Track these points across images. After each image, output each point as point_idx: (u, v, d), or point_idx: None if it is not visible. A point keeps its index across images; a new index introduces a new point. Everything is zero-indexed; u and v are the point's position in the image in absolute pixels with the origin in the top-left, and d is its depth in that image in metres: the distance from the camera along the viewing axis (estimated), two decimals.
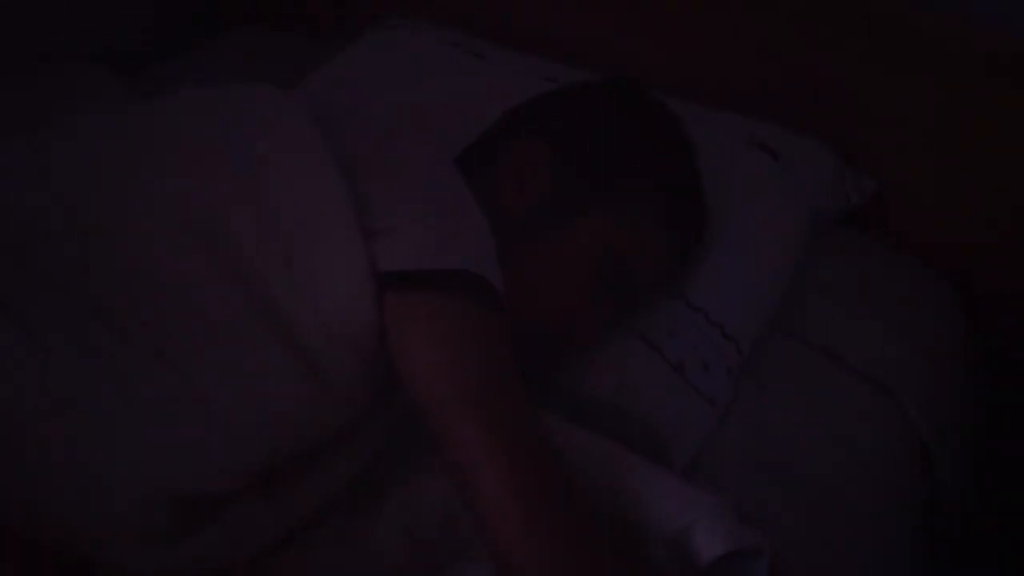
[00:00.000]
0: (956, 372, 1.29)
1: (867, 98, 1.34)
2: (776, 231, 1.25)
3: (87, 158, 0.96)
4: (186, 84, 1.03)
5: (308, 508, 0.95)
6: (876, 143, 1.37)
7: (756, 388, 1.18)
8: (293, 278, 0.90)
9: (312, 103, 1.03)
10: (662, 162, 1.12)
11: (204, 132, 0.94)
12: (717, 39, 1.40)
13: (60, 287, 0.88)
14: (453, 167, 1.01)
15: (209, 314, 0.88)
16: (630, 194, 1.09)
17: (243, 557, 0.92)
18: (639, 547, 0.94)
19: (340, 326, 0.91)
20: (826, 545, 1.07)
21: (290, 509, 0.94)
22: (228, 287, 0.89)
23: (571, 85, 1.18)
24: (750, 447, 1.14)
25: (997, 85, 1.27)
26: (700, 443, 1.13)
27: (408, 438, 0.99)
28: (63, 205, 0.90)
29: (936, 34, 1.29)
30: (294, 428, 0.92)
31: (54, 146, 0.96)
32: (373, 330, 0.91)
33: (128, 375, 0.86)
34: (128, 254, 0.90)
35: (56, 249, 0.89)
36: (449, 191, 0.97)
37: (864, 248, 1.37)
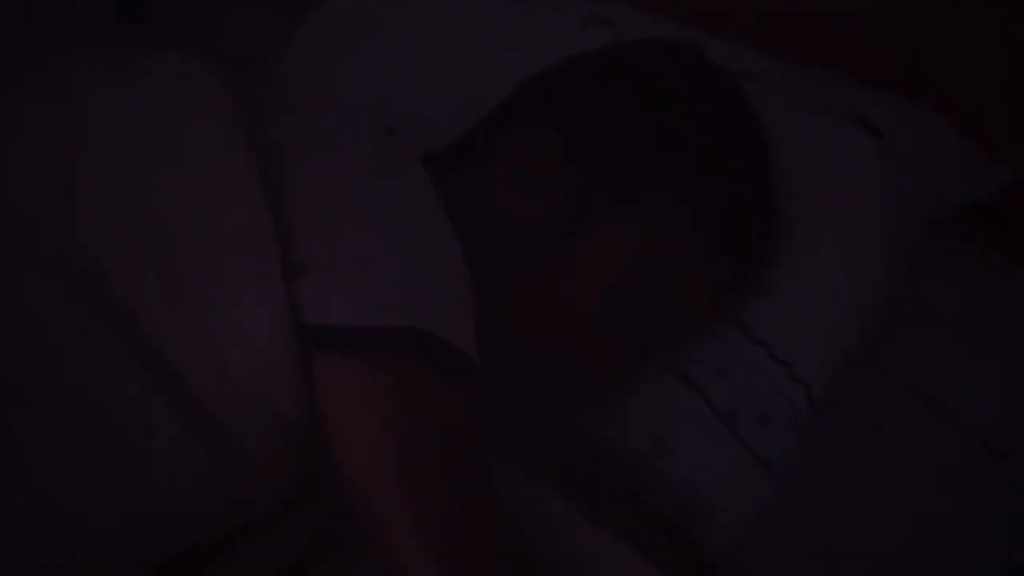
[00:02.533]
0: None
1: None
2: (872, 238, 0.96)
3: None
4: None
5: None
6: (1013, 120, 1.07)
7: (825, 445, 0.93)
8: (189, 325, 0.67)
9: (285, 68, 0.79)
10: (714, 158, 0.86)
11: (78, 124, 0.70)
12: None
13: None
14: (418, 172, 0.76)
15: (64, 375, 0.66)
16: (665, 199, 0.84)
17: None
18: None
19: (255, 390, 0.69)
20: None
21: None
22: (96, 337, 0.67)
23: (596, 52, 0.91)
24: (805, 525, 0.90)
25: None
26: (750, 517, 0.89)
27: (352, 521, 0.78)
28: None
29: None
30: (202, 513, 0.71)
31: None
32: (298, 393, 0.69)
33: None
34: None
35: None
36: (406, 210, 0.73)
37: (987, 256, 1.07)
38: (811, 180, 0.97)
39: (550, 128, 0.85)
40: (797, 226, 0.95)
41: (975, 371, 0.98)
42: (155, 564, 0.70)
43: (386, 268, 0.69)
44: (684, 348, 0.91)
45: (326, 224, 0.71)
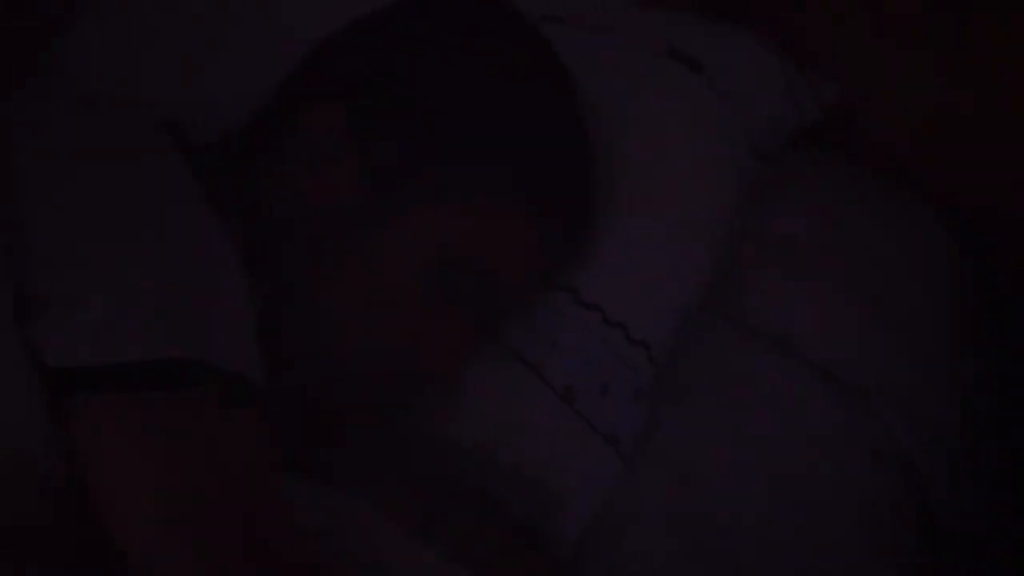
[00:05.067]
0: (957, 360, 0.95)
1: None
2: (699, 179, 0.90)
3: None
4: None
5: None
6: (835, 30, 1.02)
7: (676, 405, 0.87)
8: None
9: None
10: (522, 116, 0.78)
11: None
12: None
13: None
14: (179, 175, 0.67)
15: None
16: (476, 170, 0.76)
17: None
18: None
19: (8, 455, 0.59)
20: None
21: None
22: None
23: (381, 11, 0.81)
24: (671, 494, 0.84)
25: None
26: (602, 498, 0.82)
27: None
28: None
29: None
30: None
31: None
32: (53, 447, 0.60)
33: None
34: None
35: None
36: (161, 223, 0.64)
37: (831, 183, 1.01)
38: (633, 125, 0.90)
39: (343, 103, 0.77)
40: (621, 176, 0.88)
41: (821, 305, 0.92)
42: None
43: (136, 294, 0.60)
44: (515, 323, 0.83)
45: (68, 248, 0.62)
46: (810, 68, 1.00)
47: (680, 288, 0.87)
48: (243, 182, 0.76)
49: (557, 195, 0.79)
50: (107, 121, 0.72)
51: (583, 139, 0.82)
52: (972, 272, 1.02)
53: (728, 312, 0.92)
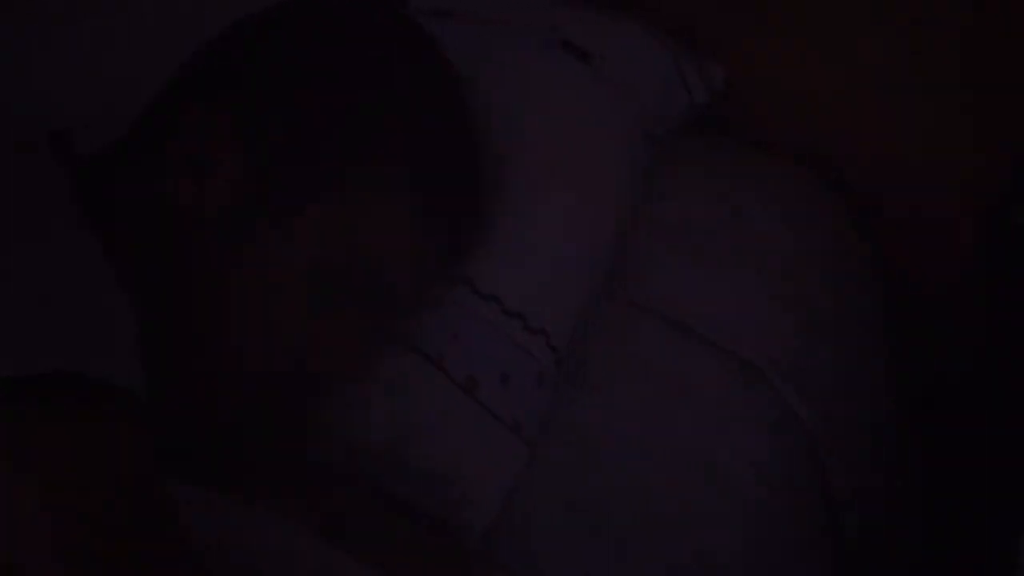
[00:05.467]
0: (853, 337, 0.98)
1: None
2: (591, 167, 0.91)
3: None
4: None
5: None
6: (721, 17, 1.04)
7: (578, 389, 0.88)
8: None
9: None
10: (405, 114, 0.78)
11: None
12: None
13: None
14: (55, 186, 0.66)
15: None
16: (360, 169, 0.76)
17: None
18: None
19: None
20: None
21: None
22: None
23: (261, 13, 0.81)
24: (574, 476, 0.85)
25: None
26: (508, 485, 0.83)
27: None
28: None
29: None
30: None
31: None
32: None
33: None
34: None
35: None
36: (32, 239, 0.63)
37: (727, 167, 1.03)
38: (522, 116, 0.90)
39: (225, 105, 0.76)
40: (513, 168, 0.89)
41: (718, 287, 0.94)
42: None
43: (3, 312, 0.59)
44: (415, 319, 0.84)
45: None
46: (698, 54, 1.02)
47: (577, 275, 0.89)
48: (125, 190, 0.76)
49: (445, 190, 0.79)
50: None
51: (469, 133, 0.83)
52: (869, 249, 1.05)
53: (628, 296, 0.94)
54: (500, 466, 0.82)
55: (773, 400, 0.91)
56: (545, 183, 0.89)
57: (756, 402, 0.90)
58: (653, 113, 0.97)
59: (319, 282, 0.75)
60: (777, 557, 0.86)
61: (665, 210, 0.98)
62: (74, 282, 0.62)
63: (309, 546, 0.69)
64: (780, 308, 0.96)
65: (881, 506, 0.98)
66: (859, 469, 0.95)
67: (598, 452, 0.86)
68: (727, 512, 0.85)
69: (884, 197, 1.04)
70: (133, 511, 0.58)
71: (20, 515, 0.56)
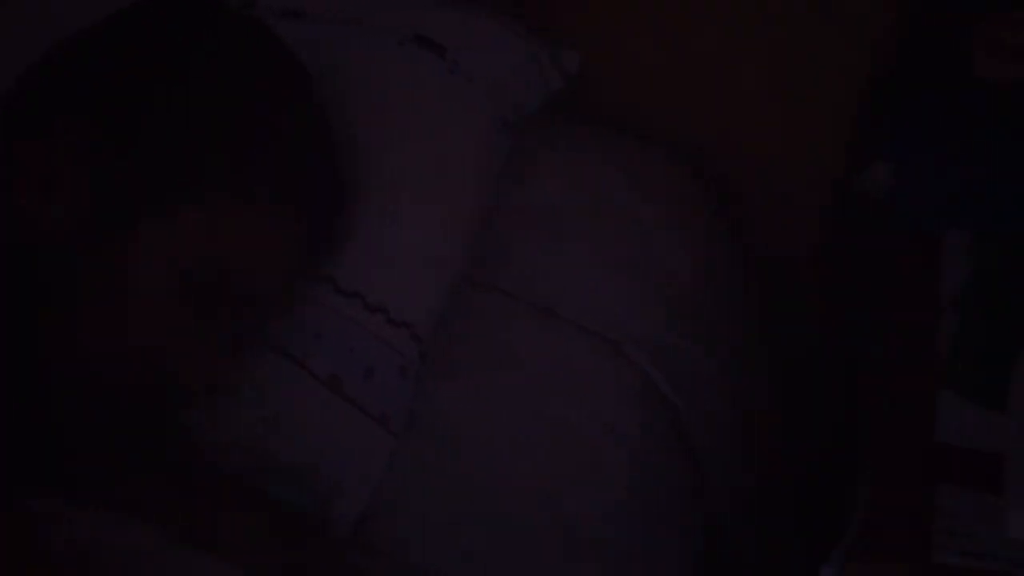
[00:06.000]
0: (712, 312, 1.00)
1: None
2: (449, 158, 0.92)
3: None
4: None
5: None
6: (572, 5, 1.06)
7: (443, 378, 0.90)
8: None
9: None
10: (257, 118, 0.79)
11: None
12: None
13: None
14: None
15: None
16: (216, 175, 0.77)
17: None
18: None
19: None
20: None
21: None
22: None
23: (103, 21, 0.81)
24: (447, 462, 0.87)
25: None
26: (377, 476, 0.84)
27: None
28: None
29: None
30: None
31: None
32: None
33: None
34: None
35: None
36: None
37: (587, 151, 1.05)
38: (378, 113, 0.92)
39: (71, 116, 0.76)
40: (372, 164, 0.90)
41: (580, 269, 0.97)
42: None
43: None
44: (278, 320, 0.84)
45: None
46: (552, 41, 1.04)
47: (438, 267, 0.90)
48: None
49: (303, 192, 0.80)
50: None
51: (325, 133, 0.84)
52: (728, 227, 1.09)
53: (493, 283, 0.96)
54: (367, 457, 0.84)
55: (638, 377, 0.94)
56: (403, 177, 0.90)
57: (622, 380, 0.93)
58: (510, 101, 0.99)
59: (179, 290, 0.75)
60: (646, 525, 0.90)
61: (527, 196, 1.00)
62: None
63: (171, 550, 0.70)
64: (643, 288, 0.99)
65: (748, 477, 1.02)
66: (723, 441, 0.99)
67: (467, 438, 0.88)
68: (594, 486, 0.88)
69: (741, 176, 1.07)
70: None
71: None
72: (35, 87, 0.79)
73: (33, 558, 0.59)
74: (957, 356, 0.83)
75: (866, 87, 0.99)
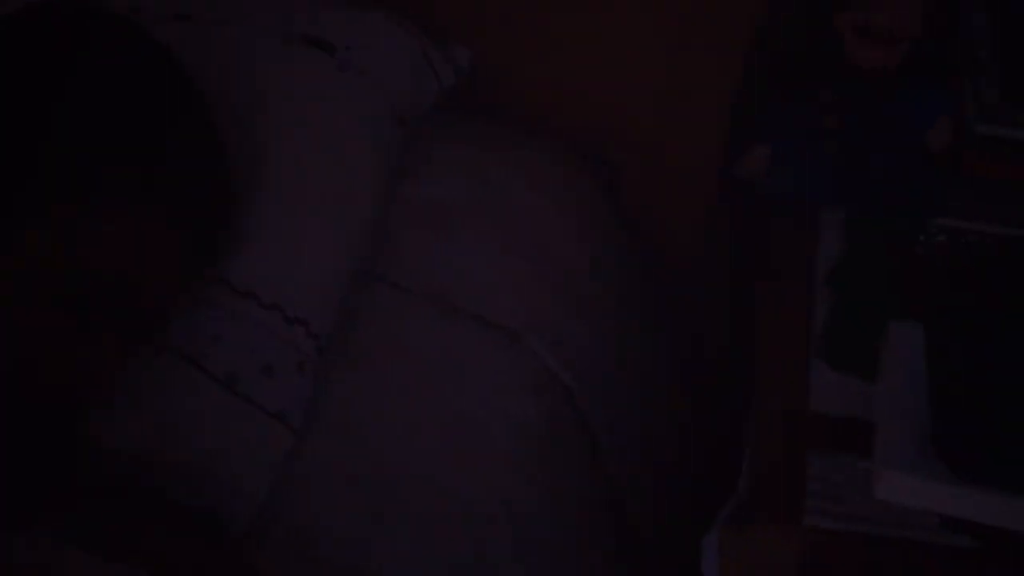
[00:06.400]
0: (605, 299, 1.04)
1: None
2: (339, 155, 0.94)
3: None
4: None
5: None
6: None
7: (343, 371, 0.92)
8: None
9: None
10: (143, 124, 0.79)
11: None
12: None
13: None
14: None
15: None
16: (103, 182, 0.77)
17: None
18: None
19: None
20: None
21: None
22: None
23: None
24: (349, 455, 0.90)
25: None
26: (275, 472, 0.86)
27: None
28: None
29: None
30: None
31: None
32: None
33: None
34: None
35: None
36: None
37: (475, 144, 1.08)
38: (268, 113, 0.93)
39: None
40: (262, 164, 0.92)
41: (475, 261, 0.99)
42: None
43: None
44: (175, 322, 0.86)
45: None
46: (444, 39, 1.06)
47: (332, 264, 0.92)
48: None
49: (185, 196, 0.81)
50: None
51: (212, 136, 0.85)
52: (621, 216, 1.12)
53: (390, 278, 0.98)
54: (265, 455, 0.85)
55: (534, 364, 0.97)
56: (294, 175, 0.92)
57: (518, 367, 0.96)
58: (402, 98, 1.01)
59: (57, 297, 0.76)
60: (545, 506, 0.93)
61: (421, 190, 1.02)
62: None
63: (63, 558, 0.71)
64: (537, 276, 1.02)
65: (647, 453, 1.06)
66: (620, 422, 1.02)
67: (366, 430, 0.90)
68: (491, 472, 0.91)
69: (631, 167, 1.11)
70: None
71: None
72: None
73: None
74: (830, 330, 0.87)
75: (741, 74, 1.03)
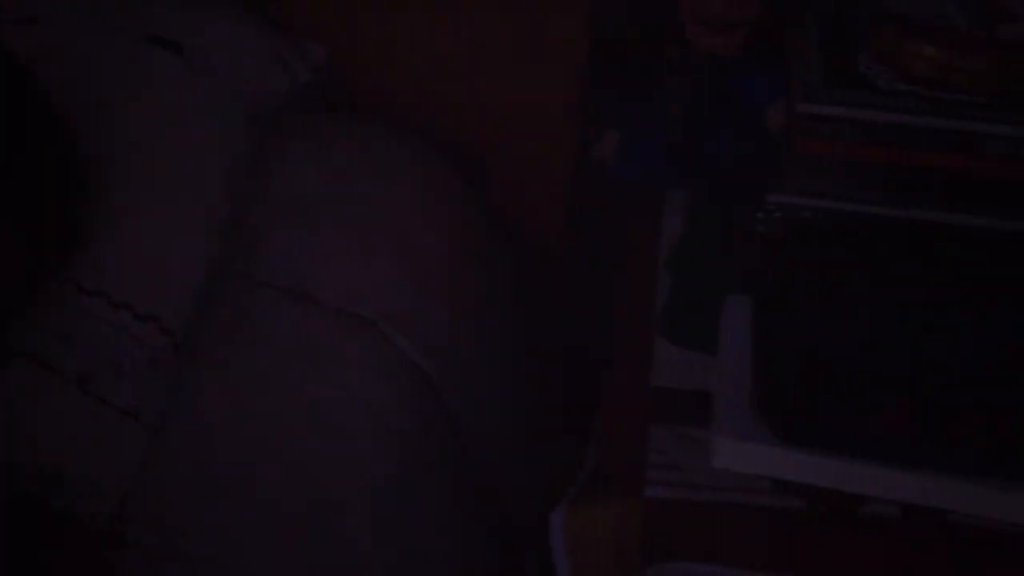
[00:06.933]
0: (463, 285, 1.04)
1: None
2: (189, 154, 0.95)
3: None
4: None
5: None
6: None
7: (201, 368, 0.92)
8: None
9: None
10: None
11: None
12: None
13: None
14: None
15: None
16: None
17: None
18: None
19: None
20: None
21: None
22: None
23: None
24: (208, 452, 0.90)
25: None
26: (130, 473, 0.86)
27: None
28: None
29: None
30: None
31: None
32: None
33: None
34: None
35: None
36: None
37: (331, 137, 1.07)
38: (117, 115, 0.94)
39: None
40: (112, 165, 0.92)
41: (333, 253, 0.99)
42: None
43: None
44: (24, 325, 0.86)
45: None
46: (298, 36, 1.07)
47: (185, 260, 0.93)
48: None
49: (40, 205, 0.81)
50: None
51: (58, 139, 0.85)
52: (480, 206, 1.14)
53: (247, 272, 0.98)
54: (119, 453, 0.86)
55: (393, 352, 0.98)
56: (143, 175, 0.92)
57: (376, 355, 0.96)
58: (254, 95, 1.02)
59: None
60: (407, 492, 0.94)
61: (278, 184, 1.02)
62: None
63: None
64: (397, 267, 1.02)
65: (514, 437, 1.08)
66: (485, 406, 1.04)
67: (228, 426, 0.90)
68: (351, 462, 0.91)
69: (490, 158, 1.12)
70: None
71: None
72: None
73: None
74: (669, 307, 0.89)
75: (588, 61, 1.05)
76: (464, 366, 1.02)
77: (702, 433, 0.81)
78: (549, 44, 1.04)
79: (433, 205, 1.08)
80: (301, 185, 1.04)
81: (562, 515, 0.81)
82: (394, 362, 0.97)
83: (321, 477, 0.90)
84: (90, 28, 0.99)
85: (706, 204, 0.95)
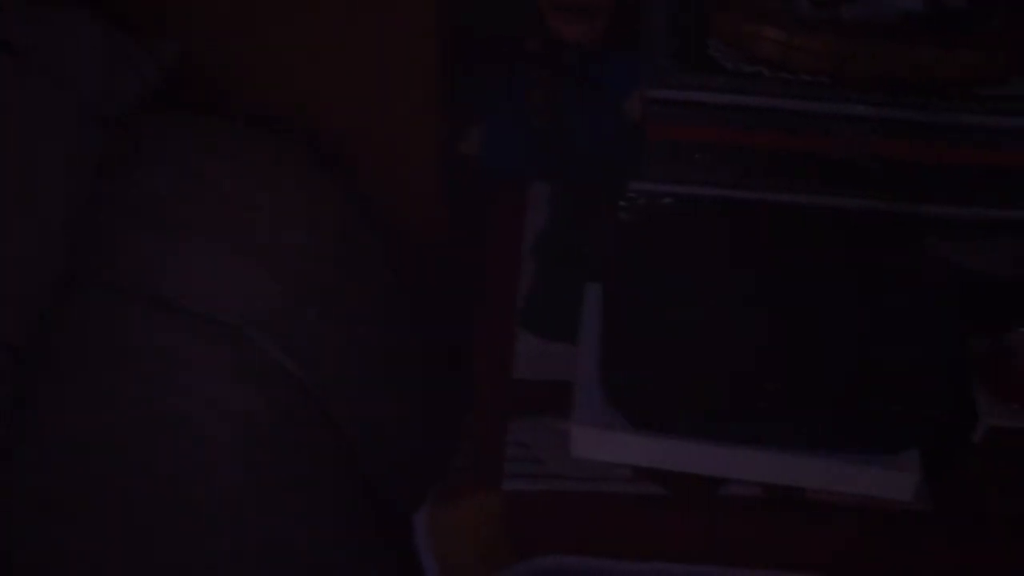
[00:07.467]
0: (333, 284, 1.03)
1: None
2: (28, 158, 0.91)
3: None
4: None
5: None
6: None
7: (57, 381, 0.89)
8: None
9: None
10: None
11: None
12: None
13: None
14: None
15: None
16: None
17: None
18: None
19: None
20: None
21: None
22: None
23: None
24: (64, 468, 0.86)
25: None
26: None
27: None
28: None
29: None
30: None
31: None
32: None
33: None
34: None
35: None
36: None
37: (188, 138, 1.04)
38: None
39: None
40: None
41: (193, 257, 0.97)
42: None
43: None
44: None
45: None
46: (147, 36, 1.04)
47: (22, 270, 0.89)
48: None
49: None
50: None
51: None
52: (353, 204, 1.12)
53: (101, 279, 0.95)
54: None
55: (258, 357, 0.96)
56: None
57: (239, 361, 0.94)
58: (97, 96, 0.98)
59: None
60: (270, 497, 0.92)
61: (131, 187, 0.99)
62: None
63: None
64: (262, 270, 1.00)
65: (398, 434, 1.06)
66: (364, 405, 1.02)
67: (88, 438, 0.87)
68: (212, 467, 0.89)
69: (362, 157, 1.11)
70: None
71: None
72: None
73: None
74: (531, 298, 0.89)
75: (452, 53, 1.04)
76: (338, 367, 1.00)
77: (563, 424, 0.81)
78: (401, 37, 1.03)
79: (302, 205, 1.06)
80: (159, 188, 1.01)
81: (425, 514, 0.80)
82: (260, 368, 0.95)
83: (182, 487, 0.87)
84: None
85: (570, 194, 0.94)
